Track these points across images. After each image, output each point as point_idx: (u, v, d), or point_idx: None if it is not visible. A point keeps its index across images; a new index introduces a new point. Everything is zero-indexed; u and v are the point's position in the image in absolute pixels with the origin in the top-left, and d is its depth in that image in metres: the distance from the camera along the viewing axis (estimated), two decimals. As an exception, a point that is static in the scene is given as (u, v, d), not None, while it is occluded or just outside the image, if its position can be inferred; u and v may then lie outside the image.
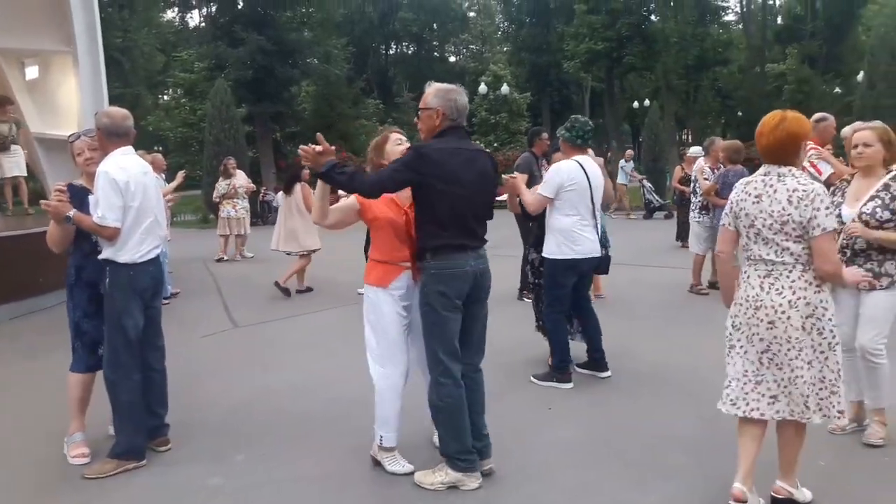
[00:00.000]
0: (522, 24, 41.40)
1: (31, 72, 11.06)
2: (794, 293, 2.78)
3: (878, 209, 3.46)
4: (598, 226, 4.74)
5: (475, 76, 38.29)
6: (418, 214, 3.26)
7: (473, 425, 3.33)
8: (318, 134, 3.26)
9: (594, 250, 4.65)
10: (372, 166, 3.55)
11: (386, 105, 34.91)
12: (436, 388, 3.26)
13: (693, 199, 7.72)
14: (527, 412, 4.30)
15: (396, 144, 3.50)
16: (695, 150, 11.08)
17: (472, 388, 3.38)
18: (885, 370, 3.56)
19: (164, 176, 9.30)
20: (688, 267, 7.86)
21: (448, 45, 47.79)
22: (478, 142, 26.06)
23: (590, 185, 4.59)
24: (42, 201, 3.66)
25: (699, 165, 7.59)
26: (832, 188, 3.86)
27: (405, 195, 3.33)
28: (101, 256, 3.56)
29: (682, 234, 10.92)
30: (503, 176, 4.55)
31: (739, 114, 38.92)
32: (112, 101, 11.92)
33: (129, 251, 3.53)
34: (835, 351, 2.83)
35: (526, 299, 7.53)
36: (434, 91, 3.31)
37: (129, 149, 3.64)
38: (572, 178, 4.55)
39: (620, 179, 17.19)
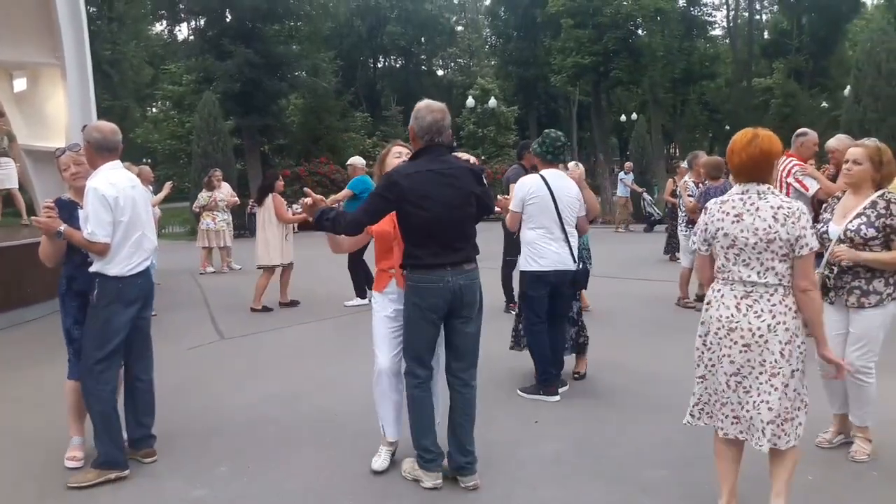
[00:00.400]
0: (510, 39, 41.68)
1: (20, 84, 11.01)
2: (773, 317, 2.72)
3: (863, 226, 3.43)
4: (571, 239, 4.68)
5: (463, 90, 38.53)
6: (400, 232, 3.44)
7: (458, 440, 3.41)
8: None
9: (561, 263, 4.63)
10: (377, 177, 3.85)
11: (374, 118, 34.99)
12: (406, 385, 3.52)
13: (680, 213, 7.79)
14: (514, 426, 4.30)
15: (395, 157, 3.72)
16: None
17: (461, 402, 3.46)
18: (872, 389, 3.52)
19: (151, 188, 9.30)
20: (675, 280, 7.91)
21: (436, 58, 47.98)
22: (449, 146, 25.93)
23: (553, 199, 4.61)
24: (32, 217, 3.69)
25: (684, 182, 7.66)
26: (824, 205, 3.89)
27: None
28: (91, 269, 3.58)
29: (670, 247, 10.92)
30: (499, 197, 4.69)
31: (727, 127, 39.30)
32: (101, 114, 11.95)
33: (118, 264, 3.55)
34: (797, 377, 2.78)
35: (513, 311, 7.56)
36: (414, 109, 3.45)
37: (118, 163, 3.66)
38: (532, 193, 4.64)
39: (620, 192, 16.99)
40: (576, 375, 5.14)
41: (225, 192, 11.84)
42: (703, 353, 2.94)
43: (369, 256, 5.40)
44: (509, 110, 32.47)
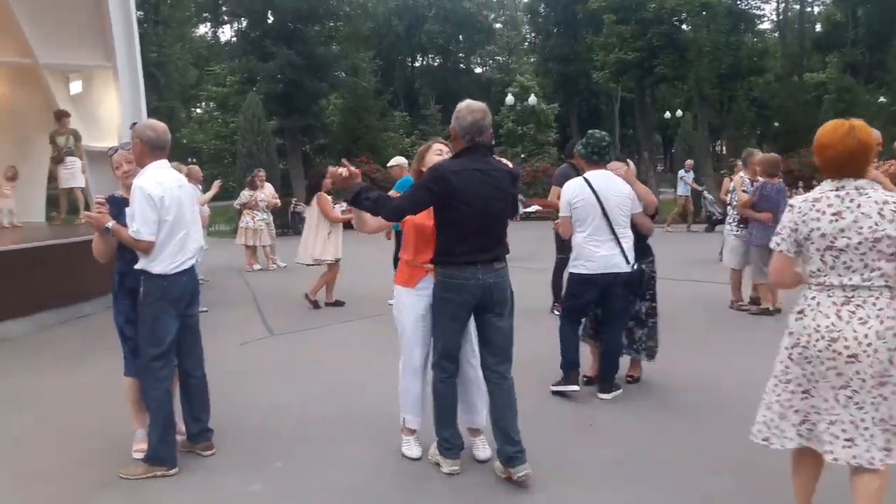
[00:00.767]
0: (549, 35, 41.32)
1: (75, 86, 11.37)
2: (881, 322, 2.47)
3: None
4: (622, 240, 4.54)
5: (501, 87, 38.41)
6: (436, 226, 3.48)
7: (503, 431, 3.45)
8: (343, 159, 3.58)
9: (611, 266, 4.52)
10: (414, 173, 3.88)
11: (412, 117, 35.13)
12: (433, 378, 3.61)
13: (730, 212, 7.53)
14: (569, 429, 4.24)
15: (436, 154, 3.74)
16: (745, 161, 10.94)
17: (500, 395, 3.51)
18: None
19: (200, 187, 9.48)
20: (726, 282, 7.72)
21: (474, 56, 47.90)
22: (506, 153, 26.01)
23: (599, 201, 4.51)
24: (84, 213, 3.76)
25: (739, 178, 7.43)
26: None
27: None
28: (136, 266, 3.62)
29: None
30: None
31: (776, 124, 38.19)
32: (149, 115, 12.21)
33: (162, 262, 3.58)
34: None
35: (556, 312, 7.48)
36: (455, 109, 3.50)
37: (165, 162, 3.70)
38: (577, 196, 4.59)
39: (680, 191, 16.46)
40: (629, 379, 5.01)
41: (267, 192, 12.02)
42: (788, 367, 2.67)
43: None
44: (549, 108, 32.26)
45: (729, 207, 7.59)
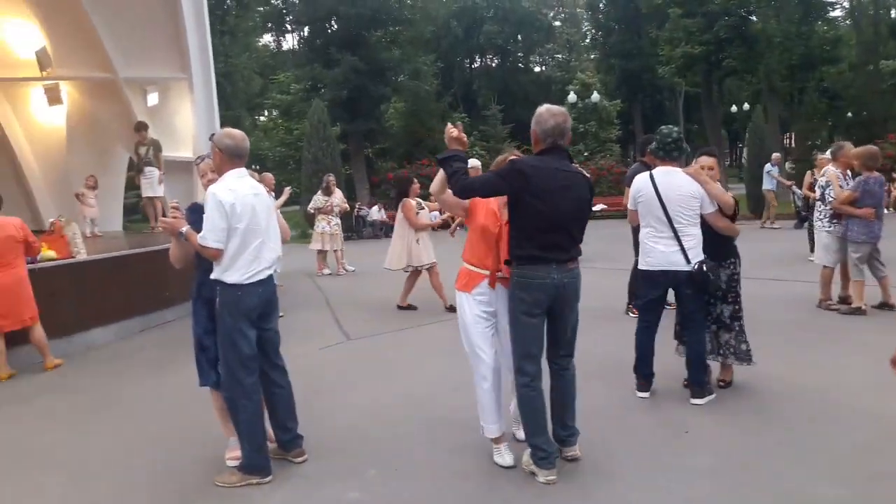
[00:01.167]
0: (611, 31, 40.68)
1: (152, 98, 11.77)
2: None
3: None
4: (683, 238, 4.45)
5: (562, 85, 38.01)
6: (510, 224, 3.52)
7: (560, 417, 3.66)
8: (458, 123, 3.64)
9: (669, 263, 4.48)
10: None
11: (471, 118, 35.10)
12: (515, 384, 3.62)
13: (821, 208, 7.14)
14: (663, 435, 4.11)
15: None
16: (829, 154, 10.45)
17: (560, 384, 3.69)
18: None
19: (272, 193, 9.64)
20: (813, 280, 7.39)
21: (533, 55, 47.54)
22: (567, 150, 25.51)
23: (659, 197, 4.49)
24: (160, 218, 3.80)
25: (833, 172, 7.06)
26: None
27: (506, 210, 3.60)
28: (211, 276, 3.59)
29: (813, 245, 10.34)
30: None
31: (849, 115, 36.60)
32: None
33: (236, 272, 3.52)
34: None
35: (631, 314, 7.29)
36: (535, 113, 3.57)
37: (243, 170, 3.67)
38: (640, 191, 4.65)
39: (766, 185, 15.88)
40: (721, 384, 4.84)
41: (338, 197, 12.15)
42: None
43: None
44: (611, 104, 31.70)
45: (819, 203, 7.19)
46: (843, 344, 5.89)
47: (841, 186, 6.78)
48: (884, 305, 6.91)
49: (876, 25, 35.89)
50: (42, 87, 11.65)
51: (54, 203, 12.56)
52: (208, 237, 3.46)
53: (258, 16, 34.03)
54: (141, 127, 10.98)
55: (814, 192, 10.07)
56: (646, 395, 4.73)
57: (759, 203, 17.73)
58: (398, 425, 4.41)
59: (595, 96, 28.15)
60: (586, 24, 48.09)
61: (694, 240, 4.49)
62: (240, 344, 3.53)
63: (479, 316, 3.68)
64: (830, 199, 6.96)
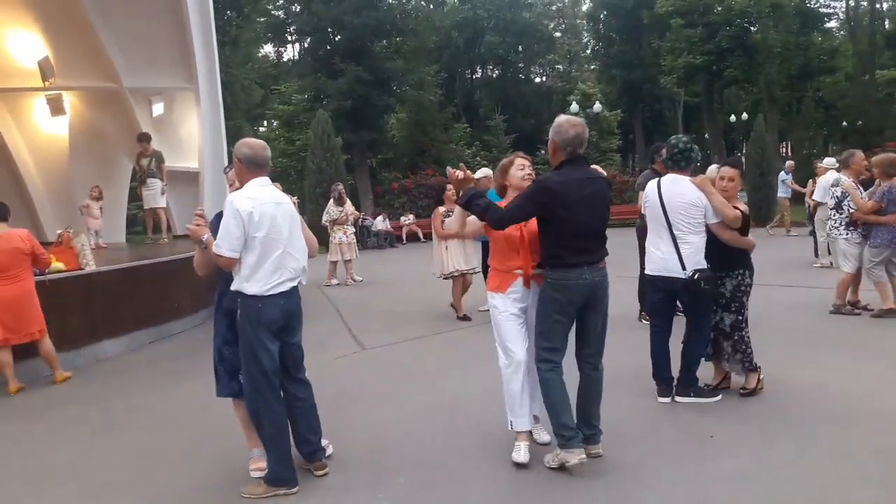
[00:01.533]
0: (612, 42, 40.86)
1: (157, 108, 11.72)
2: None
3: None
4: (681, 245, 4.48)
5: (563, 96, 38.10)
6: (541, 234, 3.70)
7: (586, 415, 3.78)
8: (461, 164, 3.92)
9: (666, 269, 4.56)
10: (497, 185, 4.16)
11: (473, 129, 35.11)
12: (537, 370, 3.75)
13: (836, 216, 7.14)
14: (688, 441, 4.05)
15: (519, 169, 3.97)
16: (828, 161, 10.44)
17: (589, 383, 3.83)
18: None
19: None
20: (819, 286, 7.36)
21: (534, 66, 47.69)
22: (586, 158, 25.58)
23: (662, 204, 4.58)
24: (187, 225, 3.76)
25: (848, 182, 7.04)
26: None
27: None
28: (231, 287, 3.53)
29: (817, 251, 10.49)
30: None
31: (844, 124, 36.86)
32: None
33: (257, 283, 3.44)
34: None
35: (644, 321, 7.24)
36: (554, 123, 3.73)
37: (266, 179, 3.60)
38: (647, 197, 4.80)
39: (781, 193, 15.73)
40: (742, 391, 4.77)
41: (349, 206, 12.10)
42: None
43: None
44: (612, 114, 31.76)
45: (833, 212, 7.16)
46: (859, 348, 5.87)
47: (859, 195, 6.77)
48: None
49: (871, 36, 36.12)
50: (44, 97, 11.58)
51: (56, 215, 12.47)
52: (222, 245, 3.41)
53: (259, 26, 34.03)
54: (144, 138, 10.92)
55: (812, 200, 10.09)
56: (666, 400, 4.73)
57: (761, 211, 17.73)
58: (422, 434, 4.35)
59: (597, 106, 28.19)
60: (586, 34, 48.28)
61: (692, 248, 4.50)
62: (261, 356, 3.46)
63: (513, 314, 3.82)
64: (851, 209, 6.94)
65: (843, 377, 5.02)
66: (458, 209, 3.85)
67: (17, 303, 5.99)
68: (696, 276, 4.42)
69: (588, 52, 48.21)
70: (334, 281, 11.94)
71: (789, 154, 39.54)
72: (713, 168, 5.23)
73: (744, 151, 42.89)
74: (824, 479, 3.43)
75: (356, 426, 4.53)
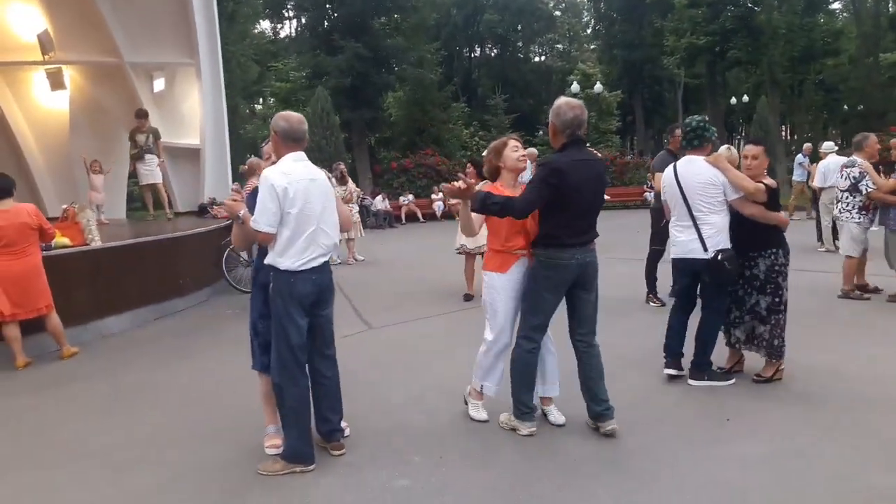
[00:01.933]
0: (613, 21, 40.52)
1: (159, 84, 11.60)
2: None
3: None
4: (701, 227, 4.48)
5: (562, 76, 37.85)
6: (541, 215, 3.76)
7: (592, 392, 3.87)
8: (469, 164, 4.05)
9: (688, 251, 4.57)
10: (489, 166, 4.12)
11: (471, 108, 34.89)
12: (516, 347, 3.89)
13: (850, 198, 7.09)
14: (705, 424, 4.05)
15: (513, 151, 3.99)
16: (828, 145, 10.41)
17: (588, 360, 3.90)
18: None
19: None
20: (826, 270, 7.35)
21: (534, 45, 47.32)
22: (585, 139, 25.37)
23: (679, 186, 4.59)
24: (224, 200, 3.75)
25: (866, 163, 6.99)
26: None
27: (519, 191, 3.85)
28: (265, 261, 3.53)
29: (820, 235, 10.57)
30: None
31: (845, 107, 36.76)
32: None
33: (290, 258, 3.45)
34: None
35: (652, 303, 7.24)
36: (553, 106, 3.79)
37: (301, 154, 3.57)
38: (665, 181, 4.80)
39: (797, 176, 15.56)
40: (756, 378, 4.73)
41: (351, 185, 12.03)
42: None
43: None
44: (611, 95, 31.59)
45: (846, 194, 7.12)
46: (873, 332, 5.89)
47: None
48: None
49: (876, 18, 35.91)
50: (44, 71, 11.44)
51: (57, 190, 12.39)
52: (260, 220, 3.40)
53: (257, 2, 33.61)
54: (141, 114, 10.81)
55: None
56: (672, 371, 4.77)
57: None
58: (435, 412, 4.35)
59: (598, 87, 28.02)
60: (587, 14, 47.88)
61: (713, 228, 4.48)
62: (289, 331, 3.47)
63: (512, 296, 3.91)
64: (869, 188, 6.89)
65: (859, 361, 5.03)
66: (462, 213, 3.92)
67: (25, 277, 5.94)
68: (718, 257, 4.41)
69: (588, 31, 47.83)
70: (337, 260, 11.90)
71: (789, 138, 39.52)
72: (723, 149, 5.19)
73: (742, 134, 42.91)
74: (845, 463, 3.43)
75: (369, 405, 4.52)
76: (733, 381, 4.71)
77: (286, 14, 35.00)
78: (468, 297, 7.95)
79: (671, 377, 4.77)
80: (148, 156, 10.78)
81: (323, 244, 3.57)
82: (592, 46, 44.85)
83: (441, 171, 23.66)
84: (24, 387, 5.44)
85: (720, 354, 4.91)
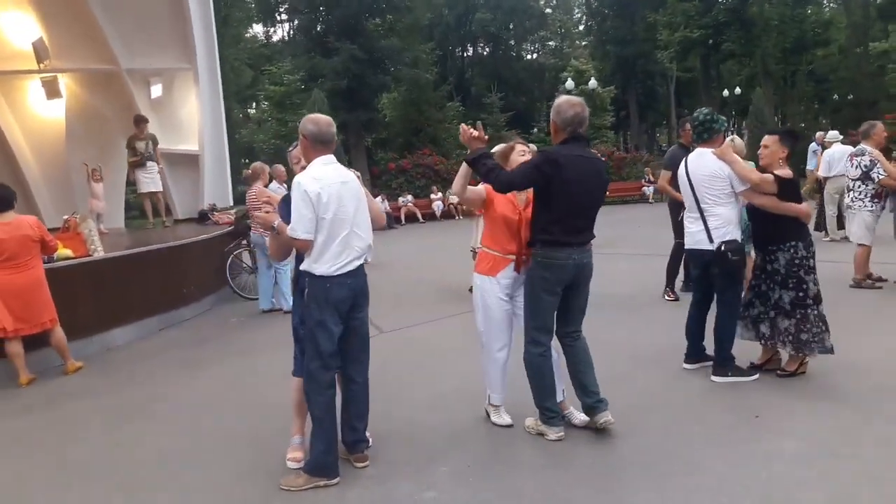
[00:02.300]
0: (604, 17, 40.53)
1: (156, 90, 11.47)
2: None
3: None
4: (708, 218, 4.53)
5: (555, 73, 37.83)
6: (535, 210, 3.75)
7: (582, 384, 3.83)
8: (479, 122, 3.84)
9: (696, 242, 4.64)
10: None
11: (466, 107, 34.82)
12: (525, 353, 3.85)
13: (862, 187, 7.03)
14: (733, 420, 3.98)
15: (520, 155, 3.98)
16: (832, 134, 10.37)
17: (574, 352, 3.89)
18: None
19: (285, 186, 9.41)
20: (835, 260, 7.30)
21: (526, 43, 47.28)
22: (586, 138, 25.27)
23: (688, 178, 4.64)
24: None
25: (876, 151, 6.96)
26: None
27: (522, 198, 3.90)
28: (301, 267, 3.49)
29: (822, 224, 10.38)
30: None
31: (835, 97, 36.87)
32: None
33: (325, 263, 3.40)
34: None
35: (667, 297, 7.20)
36: (554, 104, 3.81)
37: (331, 157, 3.50)
38: (679, 175, 4.85)
39: (811, 165, 15.79)
40: (779, 373, 4.66)
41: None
42: None
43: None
44: (605, 90, 31.57)
45: (858, 182, 7.06)
46: (886, 322, 5.86)
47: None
48: None
49: (865, 7, 35.99)
50: (40, 79, 11.28)
51: (53, 200, 12.22)
52: (297, 228, 3.35)
53: (249, 6, 33.48)
54: (140, 120, 10.69)
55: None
56: (690, 366, 4.84)
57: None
58: (457, 418, 4.26)
59: (593, 82, 27.96)
60: (578, 10, 47.89)
61: (719, 219, 4.51)
62: (319, 338, 3.41)
63: (502, 299, 3.90)
64: (881, 176, 6.85)
65: (879, 353, 4.96)
66: (463, 167, 3.81)
67: (27, 291, 5.83)
68: (722, 248, 4.44)
69: (580, 28, 47.84)
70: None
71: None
72: (727, 141, 5.18)
73: (735, 126, 42.96)
74: (883, 457, 3.36)
75: (390, 411, 4.42)
76: (757, 376, 4.63)
77: (278, 17, 34.89)
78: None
79: (687, 371, 4.86)
80: (149, 163, 10.67)
81: (357, 247, 3.52)
82: (584, 43, 44.80)
83: (439, 170, 23.57)
84: (29, 404, 5.32)
85: (754, 351, 4.85)
